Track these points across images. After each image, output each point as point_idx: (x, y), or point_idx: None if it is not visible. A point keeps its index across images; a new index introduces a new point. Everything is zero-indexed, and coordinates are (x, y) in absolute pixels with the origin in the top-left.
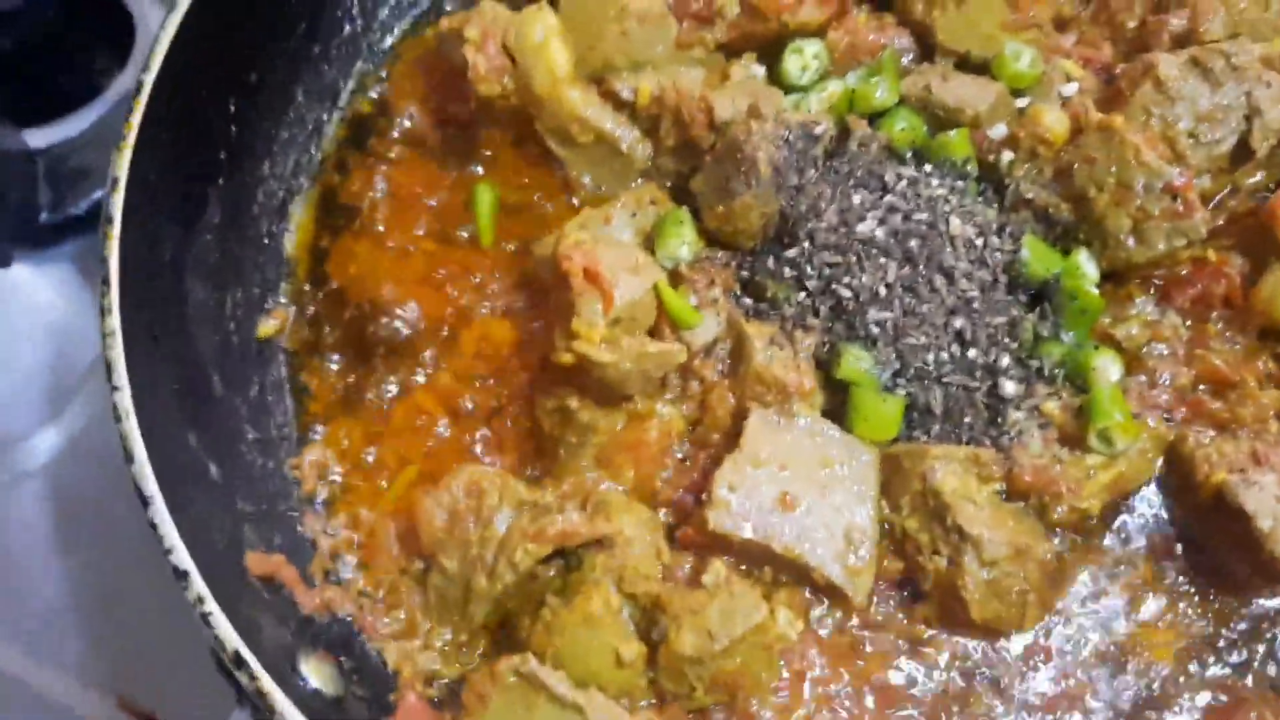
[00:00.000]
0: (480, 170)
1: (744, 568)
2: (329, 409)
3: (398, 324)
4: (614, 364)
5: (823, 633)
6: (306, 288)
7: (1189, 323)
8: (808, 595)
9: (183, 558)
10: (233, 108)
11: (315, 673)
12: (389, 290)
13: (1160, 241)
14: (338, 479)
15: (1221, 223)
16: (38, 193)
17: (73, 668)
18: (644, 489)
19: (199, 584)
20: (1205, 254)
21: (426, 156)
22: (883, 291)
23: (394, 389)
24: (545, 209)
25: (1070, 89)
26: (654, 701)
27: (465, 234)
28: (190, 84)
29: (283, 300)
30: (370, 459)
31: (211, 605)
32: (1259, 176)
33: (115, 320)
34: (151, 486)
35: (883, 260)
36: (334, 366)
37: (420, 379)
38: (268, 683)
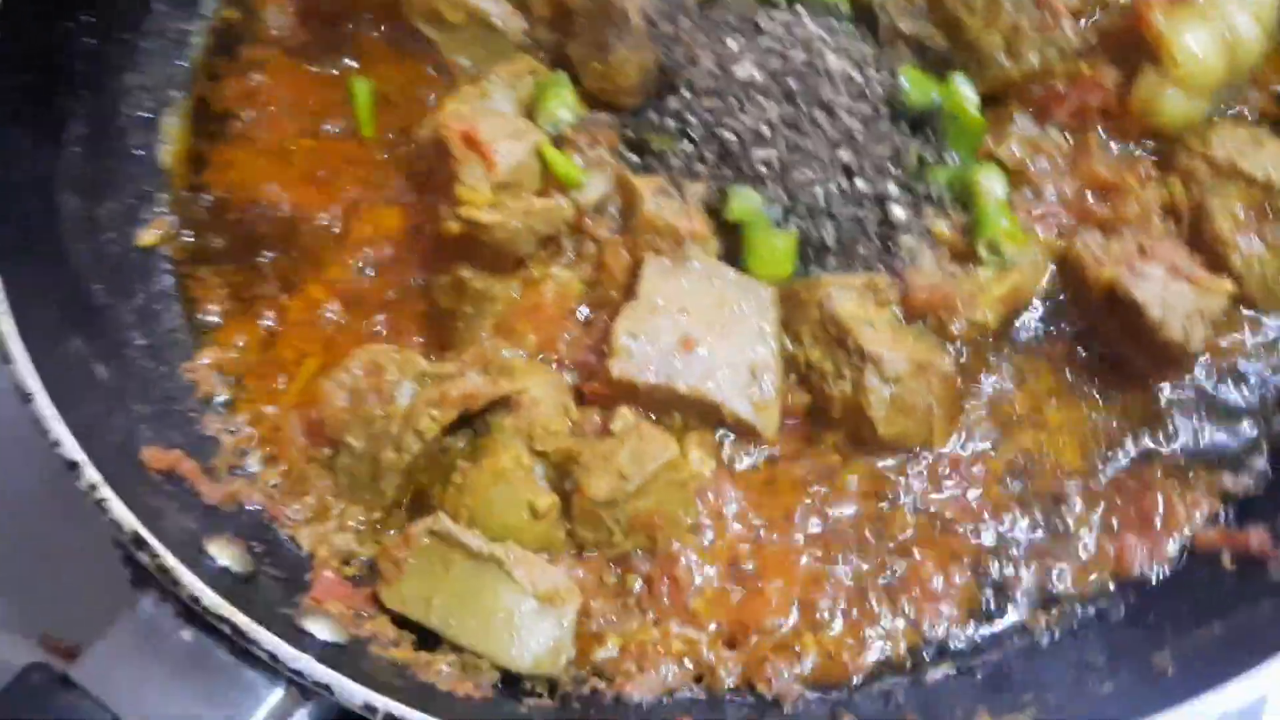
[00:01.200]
0: (355, 64)
1: (653, 416)
2: (221, 312)
3: (283, 220)
4: (501, 224)
5: (737, 469)
6: (185, 196)
7: (1070, 136)
8: (718, 436)
9: (71, 448)
10: (82, 19)
11: (224, 553)
12: (271, 190)
13: (1033, 55)
14: (236, 379)
15: (1094, 42)
16: None
17: None
18: (547, 351)
19: (90, 471)
20: (1080, 68)
21: (297, 56)
22: (766, 131)
23: (286, 287)
24: (424, 96)
25: None
26: (574, 552)
27: (344, 129)
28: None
29: (162, 210)
30: (268, 356)
31: (106, 491)
32: None
33: None
34: (32, 383)
35: (763, 100)
36: (222, 271)
37: (311, 275)
38: (170, 559)
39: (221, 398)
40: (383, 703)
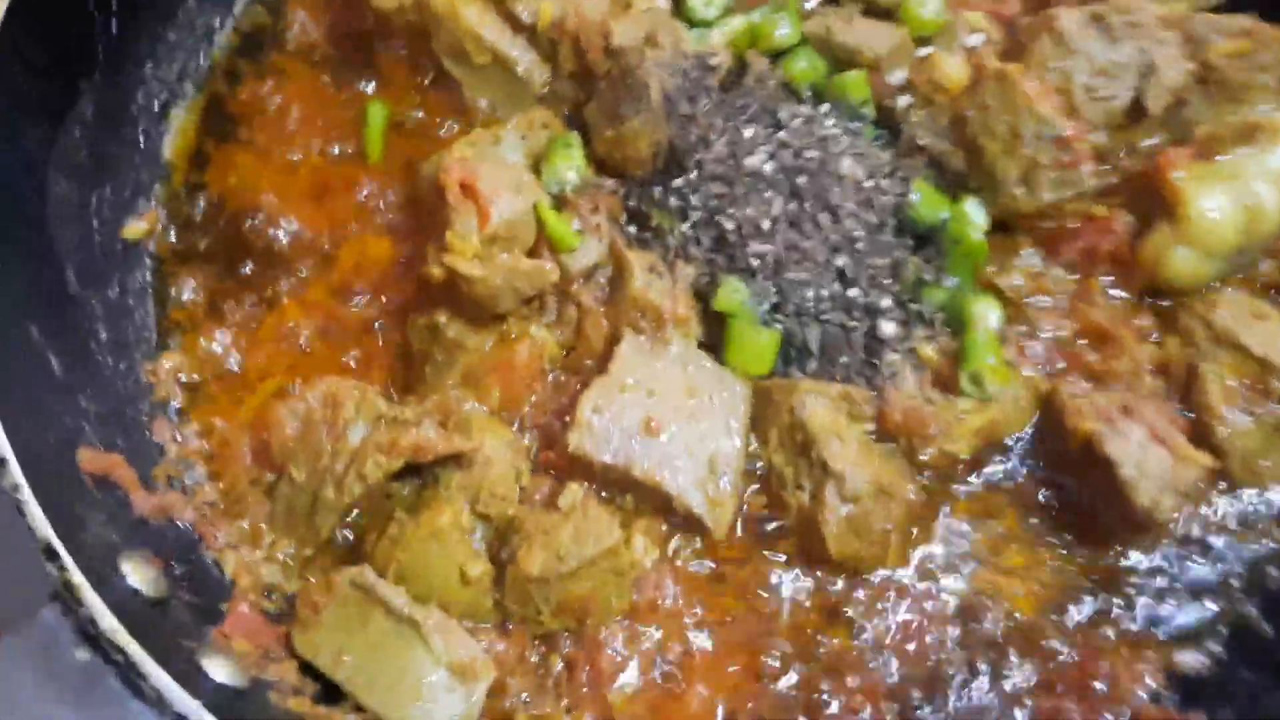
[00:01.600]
0: (374, 87)
1: (604, 495)
2: (193, 317)
3: (275, 234)
4: (484, 279)
5: (680, 564)
6: (181, 193)
7: (1074, 276)
8: (667, 527)
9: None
10: (114, 3)
11: (138, 573)
12: (269, 200)
13: (1047, 191)
14: (195, 388)
15: (1114, 181)
16: None
17: None
18: (510, 411)
19: (14, 471)
20: (1093, 209)
21: (320, 70)
22: (766, 225)
23: (263, 301)
24: (437, 130)
25: (975, 40)
26: (499, 622)
27: (352, 151)
28: None
29: (154, 204)
30: (232, 369)
31: (26, 494)
32: (1156, 140)
33: None
34: None
35: (769, 194)
36: (202, 275)
37: (291, 293)
38: (77, 575)
39: (176, 404)
40: None
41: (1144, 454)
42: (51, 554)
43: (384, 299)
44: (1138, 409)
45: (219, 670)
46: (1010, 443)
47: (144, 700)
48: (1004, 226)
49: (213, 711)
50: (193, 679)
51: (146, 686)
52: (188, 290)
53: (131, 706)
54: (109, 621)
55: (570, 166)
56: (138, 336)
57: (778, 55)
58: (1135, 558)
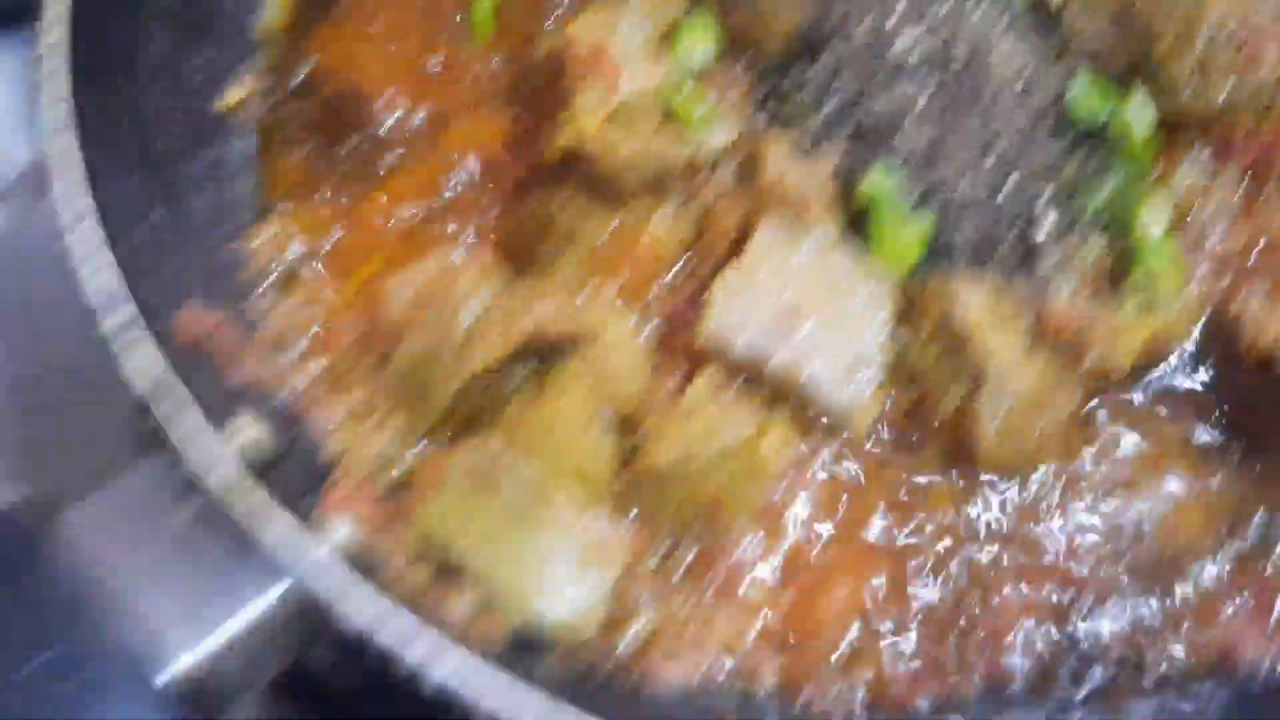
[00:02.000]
0: None
1: (737, 389)
2: (291, 192)
3: (376, 111)
4: (609, 151)
5: (815, 465)
6: (281, 62)
7: (1245, 182)
8: (804, 426)
9: (110, 282)
10: None
11: (244, 433)
12: (370, 76)
13: (1222, 93)
14: (295, 263)
15: None
16: None
17: None
18: (634, 299)
19: (125, 314)
20: (1272, 113)
21: None
22: (913, 115)
23: (364, 179)
24: (548, 9)
25: None
26: (623, 517)
27: (459, 28)
28: None
29: (252, 71)
30: (334, 245)
31: (136, 333)
32: None
33: (60, 33)
34: (83, 204)
35: (913, 84)
36: (301, 151)
37: (394, 173)
38: (185, 424)
39: (275, 277)
40: (380, 626)
41: None
42: (158, 397)
43: (493, 183)
44: None
45: (330, 534)
46: (1176, 355)
47: (251, 563)
48: (1171, 126)
49: (323, 571)
50: (304, 542)
51: (252, 543)
52: (286, 166)
53: (237, 571)
54: (221, 474)
55: (701, 43)
56: (237, 208)
57: None
58: None
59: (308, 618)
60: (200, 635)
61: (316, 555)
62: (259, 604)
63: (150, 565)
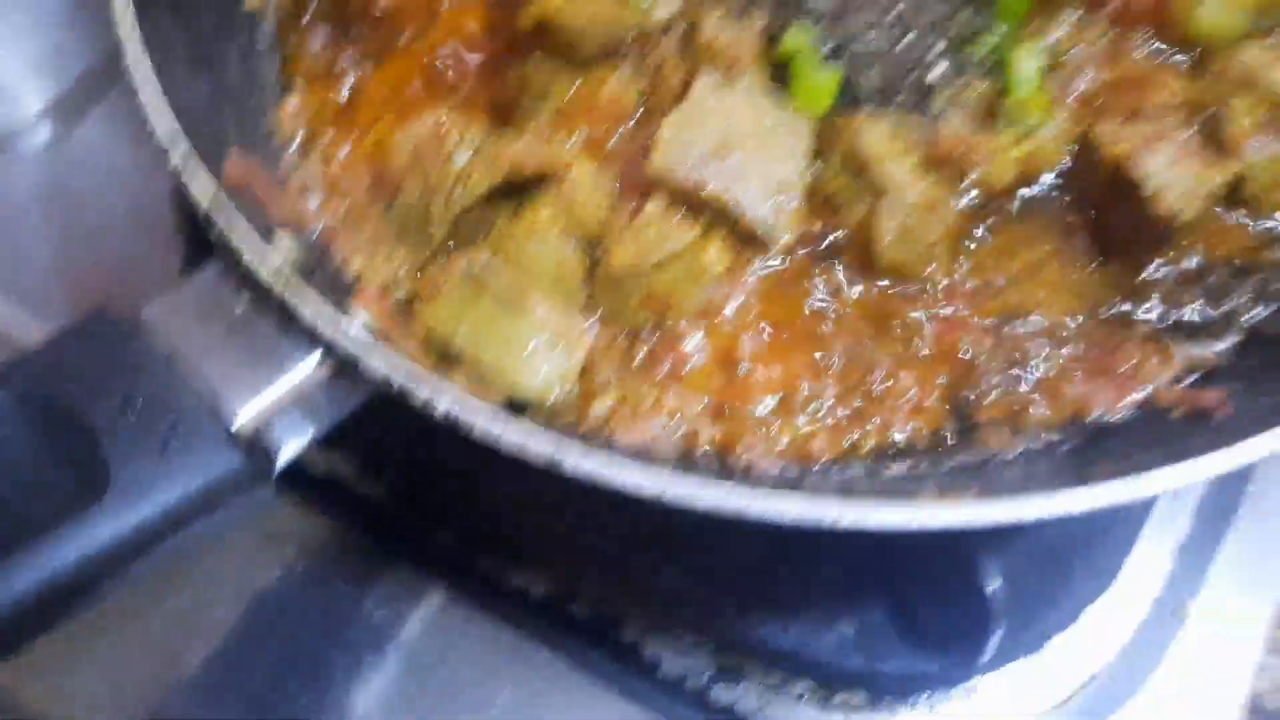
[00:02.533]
0: None
1: (683, 211)
2: (310, 70)
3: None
4: (571, 14)
5: (748, 272)
6: None
7: (1113, 30)
8: (737, 241)
9: (169, 124)
10: None
11: (284, 245)
12: None
13: None
14: (314, 129)
15: None
16: None
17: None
18: (597, 143)
19: (183, 145)
20: None
21: None
22: None
23: (372, 58)
24: None
25: None
26: (590, 315)
27: None
28: None
29: None
30: (346, 113)
31: (194, 161)
32: None
33: None
34: (143, 69)
35: None
36: (317, 36)
37: (398, 51)
38: (236, 238)
39: (298, 143)
40: (396, 372)
41: (1170, 169)
42: (215, 216)
43: (482, 55)
44: (1166, 135)
45: (359, 324)
46: (1052, 175)
47: (297, 337)
48: None
49: (351, 350)
50: (333, 316)
51: (299, 325)
52: (305, 48)
53: (285, 340)
54: (265, 273)
55: None
56: (265, 83)
57: None
58: (1158, 271)
59: (339, 380)
60: (256, 391)
61: (346, 327)
62: (302, 368)
63: (215, 341)
